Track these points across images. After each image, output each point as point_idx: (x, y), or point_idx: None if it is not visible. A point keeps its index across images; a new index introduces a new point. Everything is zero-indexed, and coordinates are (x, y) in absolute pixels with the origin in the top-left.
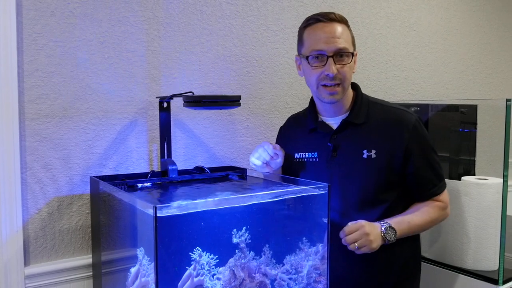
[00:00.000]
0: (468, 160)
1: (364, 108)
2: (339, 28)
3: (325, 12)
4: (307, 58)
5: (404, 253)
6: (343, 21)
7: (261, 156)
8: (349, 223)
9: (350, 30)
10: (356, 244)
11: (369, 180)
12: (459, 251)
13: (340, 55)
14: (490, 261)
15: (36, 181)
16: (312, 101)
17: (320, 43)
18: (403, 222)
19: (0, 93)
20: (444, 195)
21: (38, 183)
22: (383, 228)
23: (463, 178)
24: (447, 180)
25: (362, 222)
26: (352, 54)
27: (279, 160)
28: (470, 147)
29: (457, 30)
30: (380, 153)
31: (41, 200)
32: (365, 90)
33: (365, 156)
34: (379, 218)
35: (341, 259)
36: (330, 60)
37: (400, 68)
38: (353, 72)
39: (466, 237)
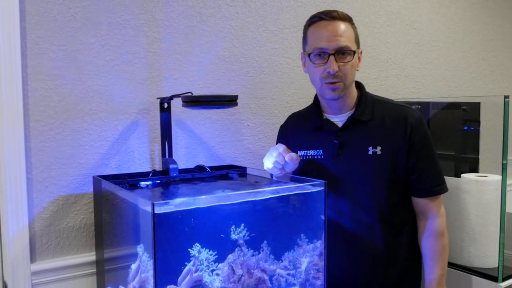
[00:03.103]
0: (472, 158)
1: (369, 106)
2: (341, 26)
3: (329, 10)
4: (309, 55)
5: (404, 250)
6: (346, 19)
7: (276, 162)
8: None
9: (353, 28)
10: None
11: (375, 176)
12: (458, 248)
13: (342, 53)
14: (490, 258)
15: (41, 180)
16: (316, 99)
17: (322, 41)
18: (442, 279)
19: (6, 96)
20: (441, 205)
21: (43, 183)
22: None
23: (463, 175)
24: (447, 178)
25: None
26: (354, 52)
27: (292, 165)
28: (474, 145)
29: (459, 28)
30: (385, 149)
31: (46, 199)
32: (366, 88)
33: (370, 152)
34: (385, 217)
35: (343, 257)
36: (332, 57)
37: (401, 67)
38: (357, 70)
39: (466, 234)
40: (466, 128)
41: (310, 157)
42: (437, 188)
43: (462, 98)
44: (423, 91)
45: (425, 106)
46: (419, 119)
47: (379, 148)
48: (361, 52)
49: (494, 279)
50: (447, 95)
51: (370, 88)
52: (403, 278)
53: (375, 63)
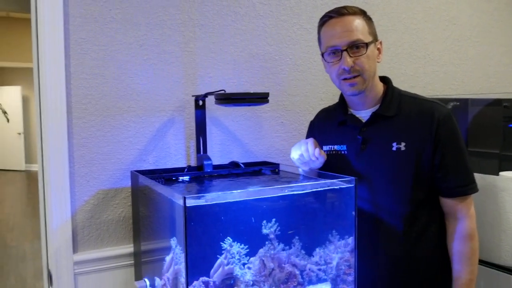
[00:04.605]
0: None
1: (395, 101)
2: (351, 21)
3: (338, 7)
4: (323, 56)
5: (429, 252)
6: (356, 13)
7: (302, 155)
8: None
9: (367, 21)
10: None
11: (398, 173)
12: (496, 248)
13: (355, 47)
14: None
15: (83, 175)
16: (342, 95)
17: (333, 39)
18: (471, 284)
19: (50, 94)
20: (471, 207)
21: (84, 177)
22: None
23: (501, 173)
24: (485, 176)
25: None
26: (367, 44)
27: (318, 164)
28: None
29: (501, 22)
30: (409, 146)
31: (87, 193)
32: (402, 85)
33: (394, 148)
34: (409, 213)
35: (365, 256)
36: (345, 53)
37: (439, 63)
38: (378, 62)
39: (503, 233)
40: (510, 125)
41: (334, 152)
42: (465, 188)
43: (503, 94)
44: (462, 87)
45: (463, 102)
46: (448, 115)
47: (403, 144)
48: (380, 43)
49: None
50: (489, 91)
51: (406, 85)
52: (429, 282)
53: (412, 60)
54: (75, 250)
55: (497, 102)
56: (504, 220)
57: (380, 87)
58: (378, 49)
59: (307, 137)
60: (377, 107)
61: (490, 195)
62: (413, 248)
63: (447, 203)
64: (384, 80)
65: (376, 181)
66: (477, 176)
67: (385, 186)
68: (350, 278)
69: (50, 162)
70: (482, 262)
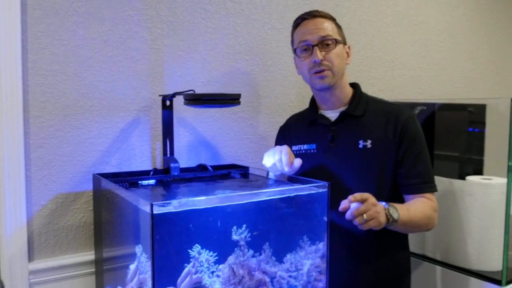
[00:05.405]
0: (477, 160)
1: (362, 102)
2: (322, 21)
3: (311, 11)
4: (296, 51)
5: (392, 247)
6: (326, 16)
7: (275, 164)
8: (354, 194)
9: (336, 25)
10: (364, 216)
11: (364, 170)
12: (462, 251)
13: (325, 43)
14: (493, 262)
15: (40, 177)
16: (312, 98)
17: (305, 35)
18: (403, 208)
19: (5, 91)
20: (435, 201)
21: (42, 180)
22: (385, 205)
23: (468, 178)
24: (452, 180)
25: (367, 193)
26: (337, 40)
27: (291, 172)
28: (479, 146)
29: (466, 29)
30: (375, 144)
31: (45, 197)
32: (371, 88)
33: (360, 146)
34: None
35: (335, 256)
36: (316, 48)
37: (407, 67)
38: (347, 63)
39: (470, 237)
40: (471, 129)
41: (303, 151)
42: (424, 186)
43: (468, 99)
44: (429, 92)
45: (430, 107)
46: (411, 117)
47: (369, 141)
48: (349, 47)
49: (498, 282)
50: (453, 96)
51: (375, 88)
52: (395, 282)
53: (381, 63)
54: (30, 258)
55: (462, 107)
56: (470, 224)
57: (349, 89)
58: (347, 52)
59: (276, 141)
60: (346, 107)
61: (457, 199)
62: (378, 247)
63: (410, 199)
64: (354, 85)
65: (343, 177)
66: (445, 180)
67: (352, 182)
68: (321, 285)
69: (3, 163)
70: (448, 265)
